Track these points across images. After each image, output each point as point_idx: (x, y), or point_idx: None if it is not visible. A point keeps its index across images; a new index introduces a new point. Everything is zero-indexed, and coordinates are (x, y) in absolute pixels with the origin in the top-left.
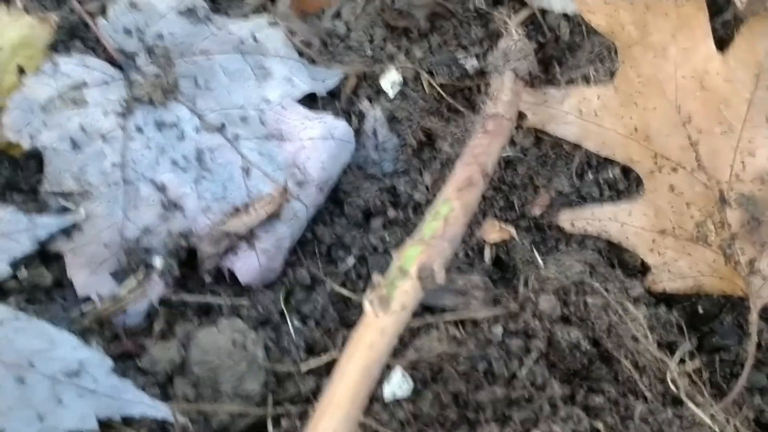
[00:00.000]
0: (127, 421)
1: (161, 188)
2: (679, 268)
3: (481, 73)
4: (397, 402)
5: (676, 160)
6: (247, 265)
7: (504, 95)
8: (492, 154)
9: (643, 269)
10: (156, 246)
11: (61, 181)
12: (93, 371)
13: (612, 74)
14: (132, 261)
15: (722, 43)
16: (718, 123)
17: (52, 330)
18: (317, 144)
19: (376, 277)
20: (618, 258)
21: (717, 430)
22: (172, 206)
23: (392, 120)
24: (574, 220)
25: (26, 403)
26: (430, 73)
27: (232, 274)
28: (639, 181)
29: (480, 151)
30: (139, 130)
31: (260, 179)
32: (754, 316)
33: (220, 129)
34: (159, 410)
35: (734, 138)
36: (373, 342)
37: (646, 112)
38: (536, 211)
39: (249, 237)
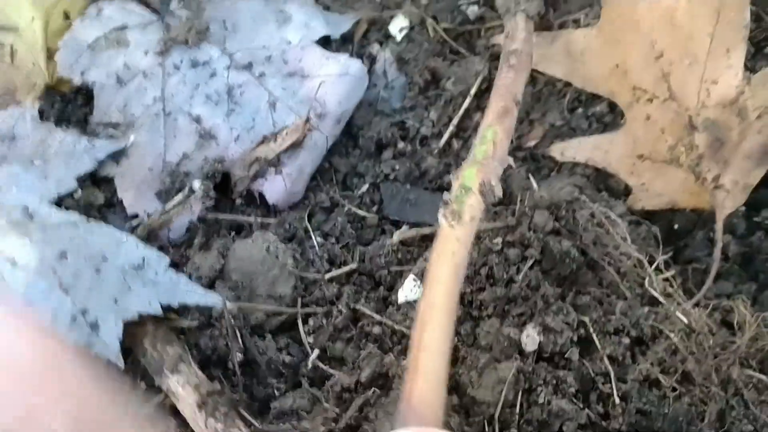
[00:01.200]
0: (183, 310)
1: (197, 120)
2: (655, 188)
3: (481, 18)
4: (409, 304)
5: (651, 91)
6: (274, 188)
7: (519, 33)
8: (519, 84)
9: (626, 193)
10: (194, 170)
11: (109, 112)
12: (154, 266)
13: (598, 18)
14: (174, 183)
15: None
16: (686, 56)
17: (117, 232)
18: (334, 80)
19: (446, 195)
20: (604, 183)
21: (686, 321)
22: (207, 135)
23: (400, 61)
24: (564, 150)
25: (103, 288)
26: (434, 18)
27: (261, 197)
28: (621, 114)
29: (508, 83)
30: (176, 67)
31: (284, 112)
32: (719, 225)
33: (248, 67)
34: (211, 298)
35: (700, 69)
36: (455, 249)
37: (625, 49)
38: (531, 143)
39: (276, 163)
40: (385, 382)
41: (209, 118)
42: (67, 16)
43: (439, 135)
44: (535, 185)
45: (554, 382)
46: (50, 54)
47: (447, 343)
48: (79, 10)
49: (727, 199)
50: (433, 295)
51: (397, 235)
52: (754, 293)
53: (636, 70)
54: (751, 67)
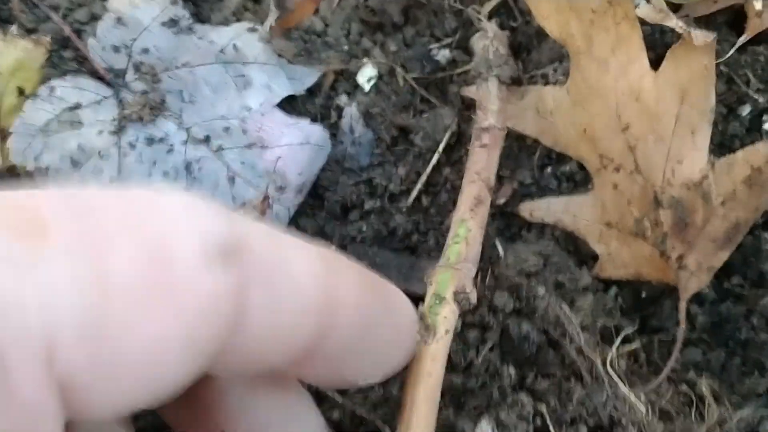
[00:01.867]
0: None
1: None
2: (622, 258)
3: (453, 62)
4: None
5: (618, 162)
6: None
7: (492, 105)
8: (492, 167)
9: (594, 258)
10: None
11: None
12: None
13: (567, 75)
14: None
15: (660, 60)
16: (651, 132)
17: None
18: (295, 150)
19: (420, 308)
20: (574, 245)
21: (643, 410)
22: None
23: (367, 116)
24: (533, 210)
25: None
26: (404, 67)
27: None
28: (591, 177)
29: (481, 166)
30: (132, 146)
31: (243, 187)
32: (682, 305)
33: (205, 141)
34: None
35: (665, 147)
36: (430, 370)
37: (592, 117)
38: (501, 201)
39: None
40: None
41: None
42: (21, 92)
43: (408, 192)
44: (501, 252)
45: None
46: (3, 135)
47: None
48: (33, 86)
49: (691, 279)
50: (410, 422)
51: None
52: (723, 361)
53: (603, 138)
54: (723, 129)
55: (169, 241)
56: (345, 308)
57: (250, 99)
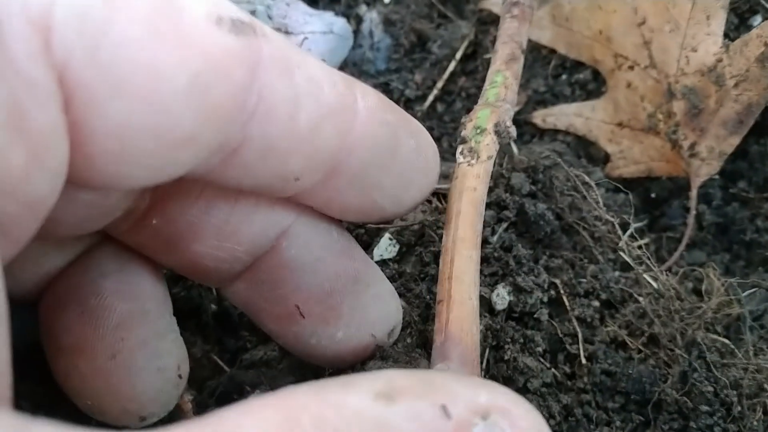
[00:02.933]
0: None
1: None
2: (633, 155)
3: None
4: (384, 262)
5: (633, 58)
6: None
7: None
8: (523, 33)
9: (605, 161)
10: None
11: None
12: None
13: None
14: None
15: None
16: (667, 22)
17: None
18: (318, 38)
19: (464, 133)
20: (584, 151)
21: (655, 285)
22: None
23: (387, 22)
24: (546, 116)
25: None
26: None
27: None
28: (604, 82)
29: (513, 31)
30: None
31: None
32: (693, 192)
33: None
34: None
35: (680, 36)
36: (475, 185)
37: (608, 16)
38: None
39: None
40: None
41: None
42: None
43: (424, 98)
44: (515, 150)
45: (522, 340)
46: None
47: (476, 273)
48: None
49: (702, 166)
50: (458, 229)
51: None
52: (726, 263)
53: (618, 36)
54: (734, 38)
55: None
56: (366, 120)
57: None
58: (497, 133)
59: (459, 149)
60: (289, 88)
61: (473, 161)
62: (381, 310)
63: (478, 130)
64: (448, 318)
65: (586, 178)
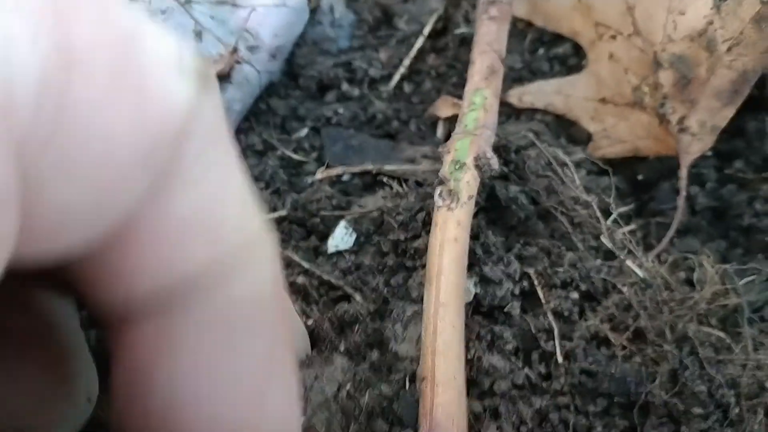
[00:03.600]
0: None
1: None
2: (617, 133)
3: None
4: (340, 253)
5: (616, 27)
6: None
7: None
8: (502, 38)
9: (587, 142)
10: None
11: None
12: None
13: None
14: None
15: None
16: None
17: None
18: (270, 11)
19: (442, 173)
20: (565, 131)
21: (642, 274)
22: None
23: None
24: (522, 95)
25: None
26: None
27: None
28: (584, 55)
29: (491, 38)
30: None
31: (212, 43)
32: (683, 172)
33: None
34: None
35: None
36: (457, 235)
37: None
38: None
39: None
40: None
41: None
42: None
43: (389, 77)
44: None
45: (489, 337)
46: None
47: (461, 344)
48: None
49: (693, 142)
50: (440, 292)
51: (320, 173)
52: (722, 251)
53: (599, 4)
54: None
55: (140, 35)
56: None
57: None
58: (478, 167)
59: (437, 191)
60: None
61: (453, 204)
62: None
63: (457, 165)
64: (433, 403)
65: (564, 157)
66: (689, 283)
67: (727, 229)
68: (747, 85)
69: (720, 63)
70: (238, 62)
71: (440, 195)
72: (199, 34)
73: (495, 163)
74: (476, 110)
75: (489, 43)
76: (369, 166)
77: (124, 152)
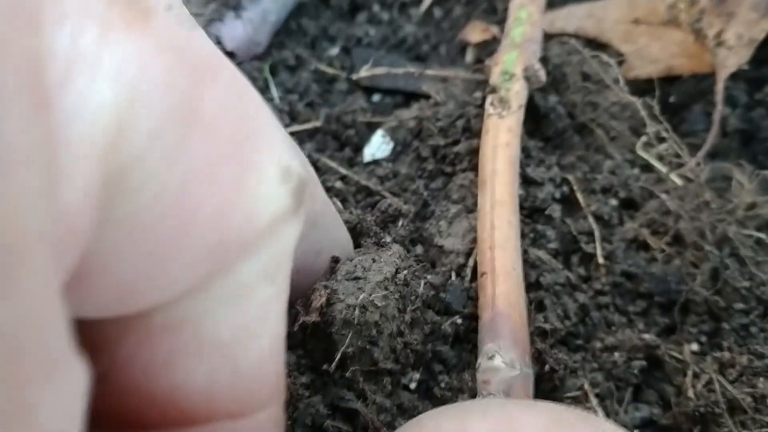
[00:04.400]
0: None
1: None
2: (651, 53)
3: None
4: (377, 162)
5: None
6: (232, 33)
7: None
8: None
9: (619, 63)
10: None
11: None
12: None
13: None
14: None
15: None
16: None
17: None
18: None
19: (492, 82)
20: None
21: (680, 182)
22: None
23: None
24: (553, 20)
25: None
26: None
27: (219, 42)
28: None
29: None
30: None
31: None
32: (720, 86)
33: None
34: None
35: None
36: (508, 140)
37: None
38: None
39: (235, 5)
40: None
41: None
42: None
43: (420, 1)
44: None
45: (532, 235)
46: None
47: (518, 239)
48: None
49: (730, 56)
50: (495, 192)
51: (365, 71)
52: (751, 175)
53: None
54: None
55: (257, 131)
56: None
57: None
58: (526, 78)
59: (488, 99)
60: None
61: (504, 112)
62: None
63: (507, 76)
64: (494, 293)
65: (604, 77)
66: (725, 190)
67: (755, 154)
68: None
69: None
70: None
71: (491, 103)
72: None
73: (542, 74)
74: (522, 25)
75: None
76: (411, 70)
77: (201, 236)
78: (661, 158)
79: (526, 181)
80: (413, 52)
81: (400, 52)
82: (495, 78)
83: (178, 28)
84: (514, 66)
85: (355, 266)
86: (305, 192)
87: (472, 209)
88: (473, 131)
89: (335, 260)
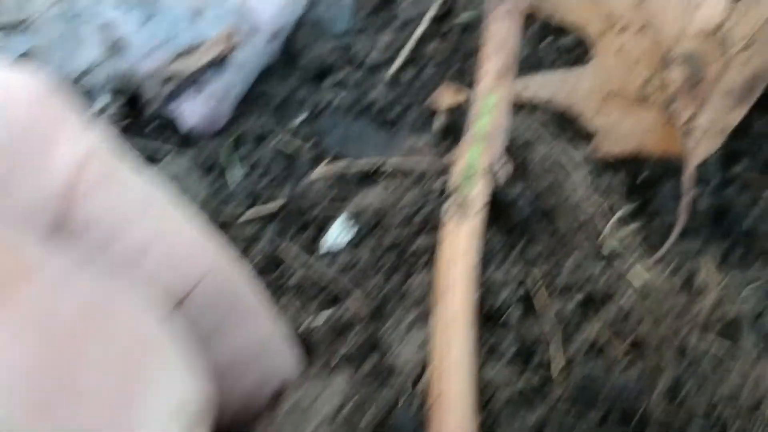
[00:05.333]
0: None
1: (106, 26)
2: (622, 131)
3: None
4: (337, 249)
5: (626, 19)
6: (192, 111)
7: None
8: (515, 35)
9: (590, 136)
10: (99, 86)
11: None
12: None
13: None
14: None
15: None
16: None
17: None
18: None
19: (452, 183)
20: (569, 125)
21: (645, 278)
22: (116, 46)
23: None
24: (526, 86)
25: None
26: None
27: (178, 121)
28: (591, 46)
29: (504, 34)
30: None
31: (209, 23)
32: (689, 173)
33: None
34: None
35: None
36: (467, 249)
37: None
38: None
39: (196, 81)
40: (303, 340)
41: (121, 25)
42: None
43: (390, 63)
44: None
45: (490, 342)
46: None
47: (473, 362)
48: None
49: (701, 142)
50: (451, 308)
51: (320, 170)
52: (723, 252)
53: None
54: None
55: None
56: None
57: None
58: (490, 175)
59: (448, 202)
60: None
61: (463, 216)
62: None
63: (469, 174)
64: (445, 420)
65: (569, 154)
66: (690, 286)
67: (728, 230)
68: (759, 87)
69: (732, 62)
70: (235, 46)
71: (450, 207)
72: (198, 13)
73: (507, 170)
74: (487, 114)
75: (502, 40)
76: (369, 161)
77: None
78: (626, 247)
79: (485, 284)
80: (382, 116)
81: (368, 116)
82: (456, 175)
83: (54, 293)
84: (478, 162)
85: (299, 399)
86: (204, 420)
87: (429, 315)
88: (435, 223)
89: (278, 393)
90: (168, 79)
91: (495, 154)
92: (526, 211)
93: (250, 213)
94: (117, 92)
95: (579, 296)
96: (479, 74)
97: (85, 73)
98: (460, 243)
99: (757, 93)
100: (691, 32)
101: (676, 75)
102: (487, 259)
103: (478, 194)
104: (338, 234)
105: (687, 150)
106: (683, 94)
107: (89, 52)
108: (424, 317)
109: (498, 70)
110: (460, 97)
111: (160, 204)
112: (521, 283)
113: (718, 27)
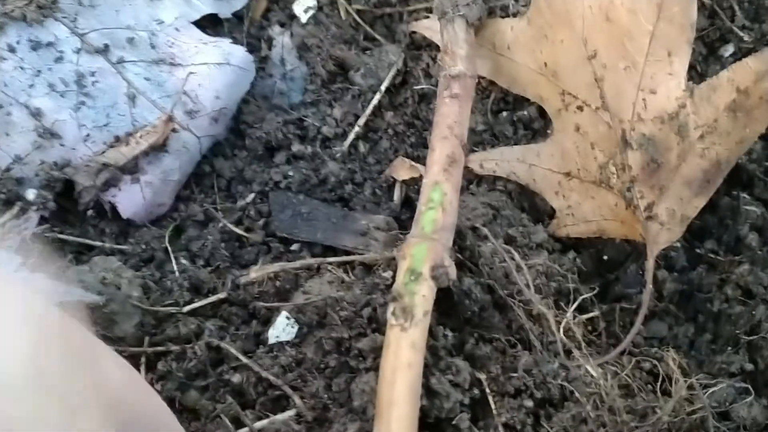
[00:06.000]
0: None
1: (36, 114)
2: (582, 212)
3: None
4: (281, 345)
5: (582, 98)
6: (129, 199)
7: (460, 49)
8: (465, 121)
9: (551, 215)
10: (29, 177)
11: None
12: None
13: (529, 5)
14: (4, 193)
15: None
16: (622, 58)
17: None
18: (211, 70)
19: (396, 288)
20: (529, 202)
21: (601, 383)
22: (47, 134)
23: (302, 48)
24: (484, 161)
25: None
26: None
27: (115, 210)
28: (550, 120)
29: (453, 120)
30: (11, 50)
31: (147, 107)
32: (650, 263)
33: (103, 51)
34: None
35: (637, 74)
36: (410, 360)
37: (555, 46)
38: None
39: (132, 169)
40: None
41: (52, 113)
42: None
43: (344, 136)
44: None
45: None
46: None
47: None
48: None
49: (662, 232)
50: (391, 426)
51: (254, 272)
52: (691, 336)
53: (566, 71)
54: (702, 72)
55: None
56: None
57: (164, 12)
58: (434, 278)
59: (390, 308)
60: None
61: (407, 324)
62: None
63: (413, 276)
64: None
65: (533, 235)
66: (654, 382)
67: (696, 313)
68: (720, 176)
69: (692, 150)
70: (174, 130)
71: (393, 313)
72: (133, 98)
73: (453, 272)
74: (434, 209)
75: (450, 127)
76: (312, 260)
77: None
78: (585, 340)
79: (431, 392)
80: (335, 193)
81: (321, 194)
82: (399, 278)
83: None
84: (422, 263)
85: None
86: None
87: (370, 422)
88: (380, 322)
89: None
90: (103, 168)
91: (439, 256)
92: (477, 305)
93: (190, 307)
94: (49, 182)
95: (530, 402)
96: (426, 163)
97: (15, 161)
98: (404, 353)
99: (718, 182)
100: (647, 116)
101: (634, 160)
102: (435, 361)
103: (421, 298)
104: (282, 329)
105: (648, 239)
106: (642, 181)
107: (20, 139)
108: (365, 428)
109: (445, 160)
110: (415, 172)
111: None
112: (470, 386)
113: (676, 112)
